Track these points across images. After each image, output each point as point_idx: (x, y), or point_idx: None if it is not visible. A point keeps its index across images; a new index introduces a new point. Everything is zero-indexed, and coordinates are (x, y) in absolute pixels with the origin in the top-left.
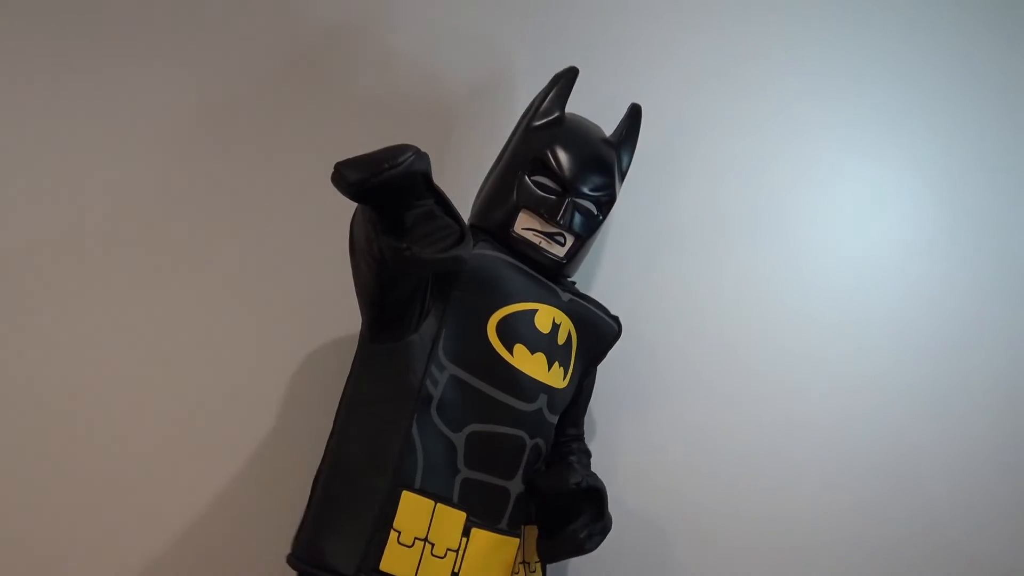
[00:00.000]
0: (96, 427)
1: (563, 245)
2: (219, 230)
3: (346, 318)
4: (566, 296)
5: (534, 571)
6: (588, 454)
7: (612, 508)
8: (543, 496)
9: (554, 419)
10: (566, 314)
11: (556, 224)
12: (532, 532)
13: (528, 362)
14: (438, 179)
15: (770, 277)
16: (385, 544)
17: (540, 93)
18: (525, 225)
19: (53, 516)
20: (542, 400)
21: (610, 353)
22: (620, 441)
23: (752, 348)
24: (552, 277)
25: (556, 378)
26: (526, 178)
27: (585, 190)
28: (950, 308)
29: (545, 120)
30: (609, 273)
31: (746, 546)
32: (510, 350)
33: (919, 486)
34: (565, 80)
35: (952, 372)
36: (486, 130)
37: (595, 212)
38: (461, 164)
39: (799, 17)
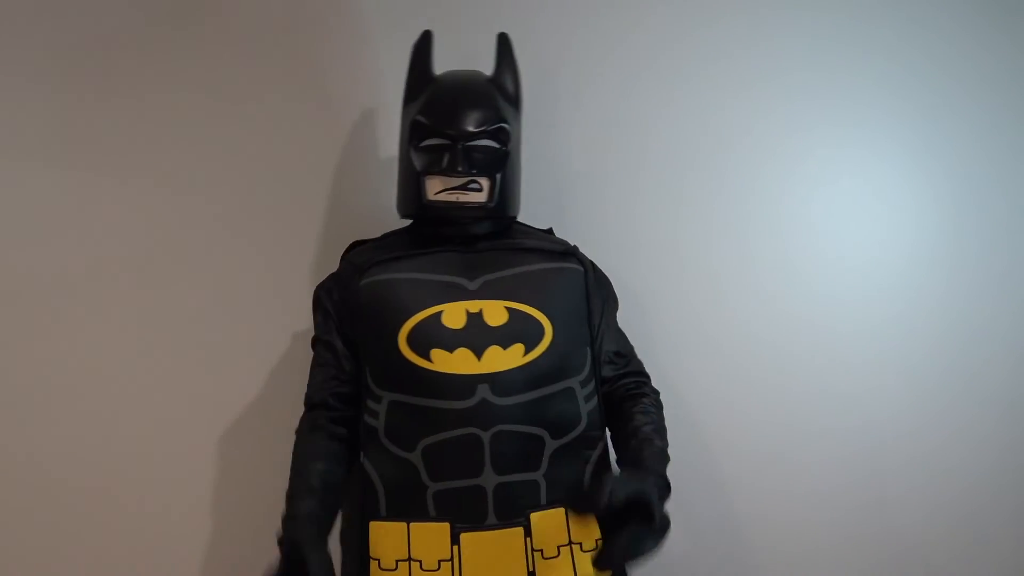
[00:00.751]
0: (98, 429)
1: (481, 190)
2: (214, 230)
3: None
4: (477, 283)
5: (592, 549)
6: (651, 403)
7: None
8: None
9: (510, 399)
10: (484, 298)
11: (459, 174)
12: (552, 515)
13: (450, 361)
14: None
15: (770, 276)
16: (368, 574)
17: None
18: (435, 190)
19: (56, 520)
20: (482, 390)
21: None
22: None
23: (753, 348)
24: (487, 229)
25: (499, 361)
26: (415, 147)
27: (470, 129)
28: (954, 309)
29: (414, 92)
30: (630, 270)
31: (750, 548)
32: (428, 357)
33: (925, 489)
34: (418, 48)
35: (958, 373)
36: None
37: (495, 145)
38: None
39: (794, 11)
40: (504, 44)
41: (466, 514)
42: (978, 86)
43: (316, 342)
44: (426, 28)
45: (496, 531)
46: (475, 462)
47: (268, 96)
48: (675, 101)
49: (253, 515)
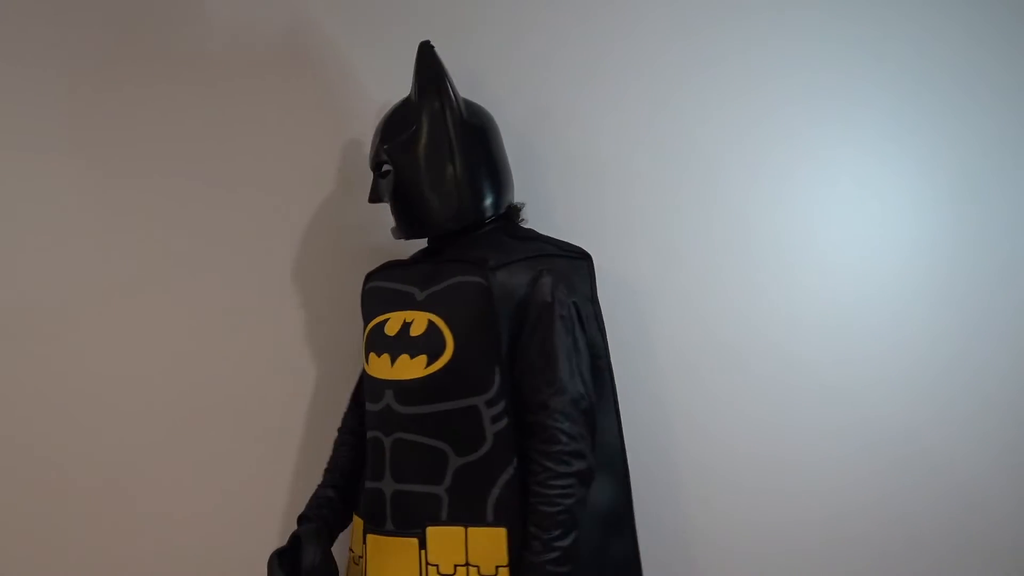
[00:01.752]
0: (102, 429)
1: (397, 217)
2: (220, 232)
3: (346, 322)
4: (424, 294)
5: (493, 574)
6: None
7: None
8: None
9: (410, 408)
10: (420, 309)
11: (376, 202)
12: (451, 533)
13: (375, 365)
14: None
15: (771, 275)
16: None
17: None
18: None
19: (57, 519)
20: (388, 396)
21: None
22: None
23: (753, 349)
24: (440, 249)
25: (405, 370)
26: None
27: (378, 160)
28: (953, 307)
29: None
30: (610, 279)
31: (754, 549)
32: (367, 360)
33: (929, 486)
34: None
35: (959, 371)
36: None
37: (390, 167)
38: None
39: (794, 10)
40: (420, 54)
41: (372, 516)
42: (977, 86)
43: None
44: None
45: (392, 537)
46: (379, 465)
47: (275, 106)
48: (673, 103)
49: (253, 515)
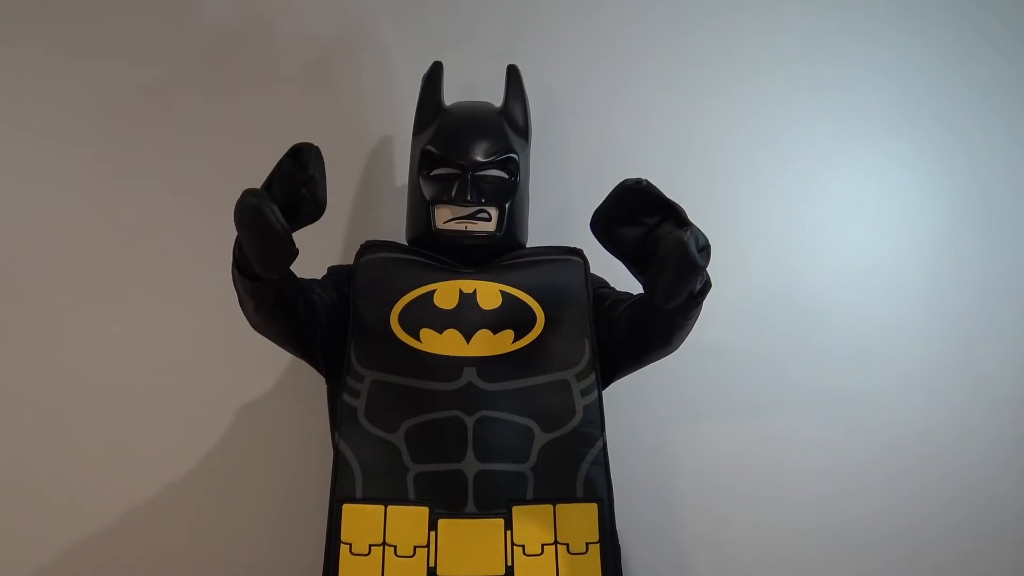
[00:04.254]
0: (101, 429)
1: (489, 220)
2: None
3: None
4: (472, 268)
5: (580, 551)
6: None
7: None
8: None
9: (497, 385)
10: (478, 279)
11: (467, 203)
12: (538, 511)
13: (439, 342)
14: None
15: (771, 275)
16: (338, 559)
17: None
18: (444, 219)
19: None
20: (468, 374)
21: None
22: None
23: (753, 348)
24: (491, 255)
25: (488, 346)
26: (424, 176)
27: (479, 159)
28: (959, 308)
29: (424, 122)
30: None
31: (760, 553)
32: (417, 337)
33: (938, 489)
34: (428, 79)
35: (966, 374)
36: None
37: (504, 175)
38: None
39: (794, 4)
40: (513, 76)
41: (445, 499)
42: (983, 80)
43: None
44: (437, 60)
45: (475, 520)
46: (457, 446)
47: (279, 107)
48: (668, 100)
49: (253, 515)
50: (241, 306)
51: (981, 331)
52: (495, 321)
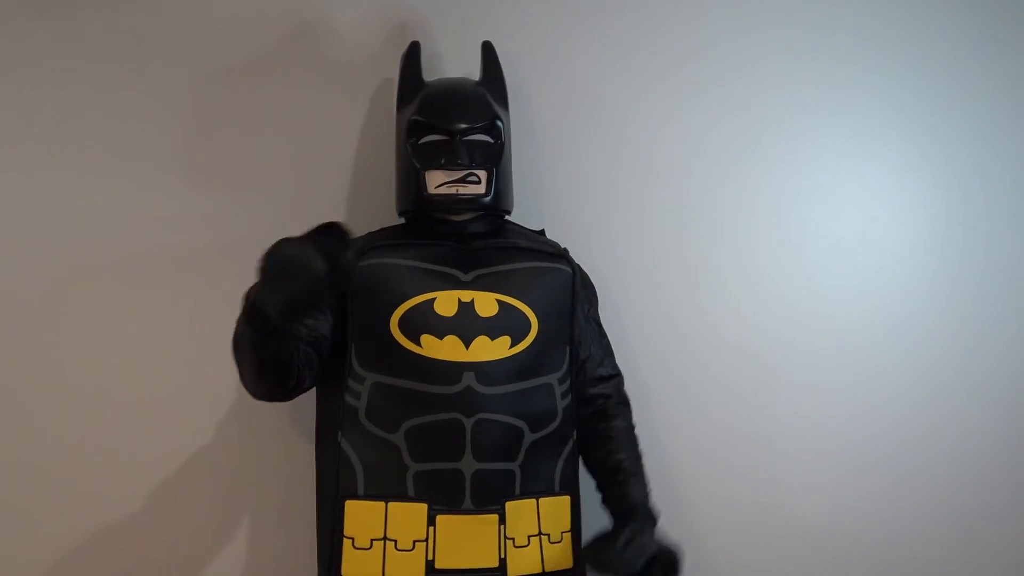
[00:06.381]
0: (100, 429)
1: (479, 183)
2: (220, 235)
3: None
4: (471, 275)
5: (558, 540)
6: (622, 406)
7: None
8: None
9: (493, 389)
10: (476, 289)
11: (459, 166)
12: (525, 506)
13: (439, 348)
14: None
15: (774, 274)
16: (341, 553)
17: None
18: (435, 184)
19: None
20: (468, 378)
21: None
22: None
23: (755, 348)
24: (482, 226)
25: (485, 351)
26: (413, 144)
27: (466, 125)
28: (960, 308)
29: (407, 96)
30: (607, 272)
31: (761, 553)
32: (417, 342)
33: (938, 489)
34: (407, 58)
35: (964, 374)
36: None
37: (490, 140)
38: None
39: (787, 2)
40: (488, 52)
41: (444, 496)
42: (982, 77)
43: None
44: (414, 40)
45: (471, 516)
46: (456, 446)
47: (279, 106)
48: (662, 97)
49: (253, 515)
50: (243, 379)
51: (981, 331)
52: (493, 327)
